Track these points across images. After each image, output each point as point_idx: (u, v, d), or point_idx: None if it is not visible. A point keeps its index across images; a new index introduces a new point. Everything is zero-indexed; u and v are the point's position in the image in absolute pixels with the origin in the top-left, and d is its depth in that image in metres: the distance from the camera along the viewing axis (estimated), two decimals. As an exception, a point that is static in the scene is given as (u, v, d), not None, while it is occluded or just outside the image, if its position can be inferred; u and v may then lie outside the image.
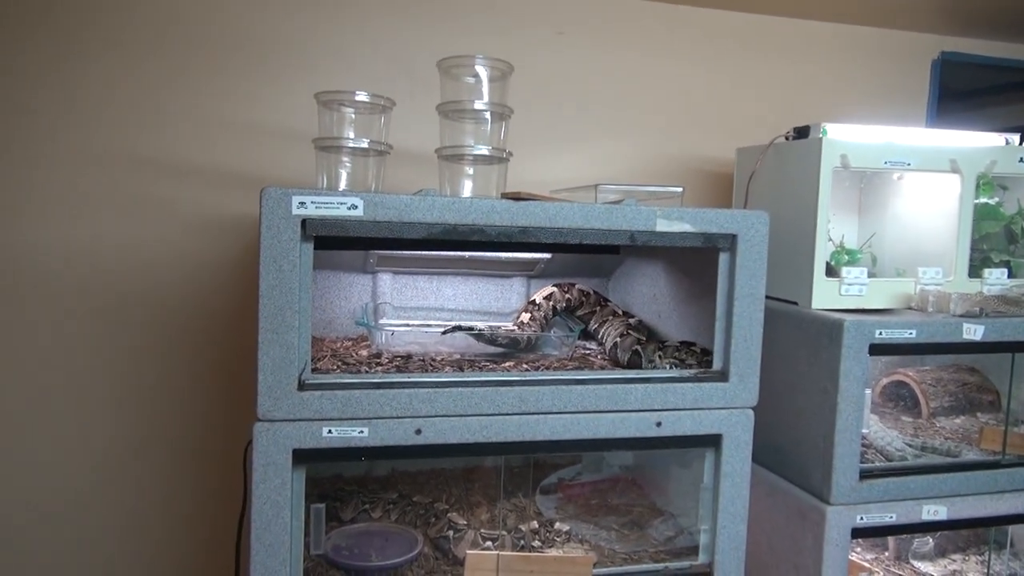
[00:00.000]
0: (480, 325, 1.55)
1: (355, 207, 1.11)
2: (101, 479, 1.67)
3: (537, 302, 1.61)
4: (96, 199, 1.61)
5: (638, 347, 1.41)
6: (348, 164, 1.42)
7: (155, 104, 1.63)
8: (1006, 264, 1.63)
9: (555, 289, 1.63)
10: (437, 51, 1.47)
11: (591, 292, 1.64)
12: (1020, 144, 1.57)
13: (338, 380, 1.16)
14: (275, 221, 1.08)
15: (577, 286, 1.64)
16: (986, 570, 1.61)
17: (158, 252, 1.65)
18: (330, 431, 1.13)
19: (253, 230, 1.65)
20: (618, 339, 1.47)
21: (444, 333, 1.41)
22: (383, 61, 1.73)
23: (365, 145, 1.39)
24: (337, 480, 1.54)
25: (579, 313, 1.63)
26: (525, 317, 1.57)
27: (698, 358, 1.36)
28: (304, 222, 1.10)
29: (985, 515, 1.45)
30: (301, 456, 1.13)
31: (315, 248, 1.13)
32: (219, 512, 1.71)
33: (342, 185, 1.42)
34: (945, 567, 1.62)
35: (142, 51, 1.61)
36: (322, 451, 1.13)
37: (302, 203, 1.09)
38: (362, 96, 1.39)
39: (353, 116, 1.42)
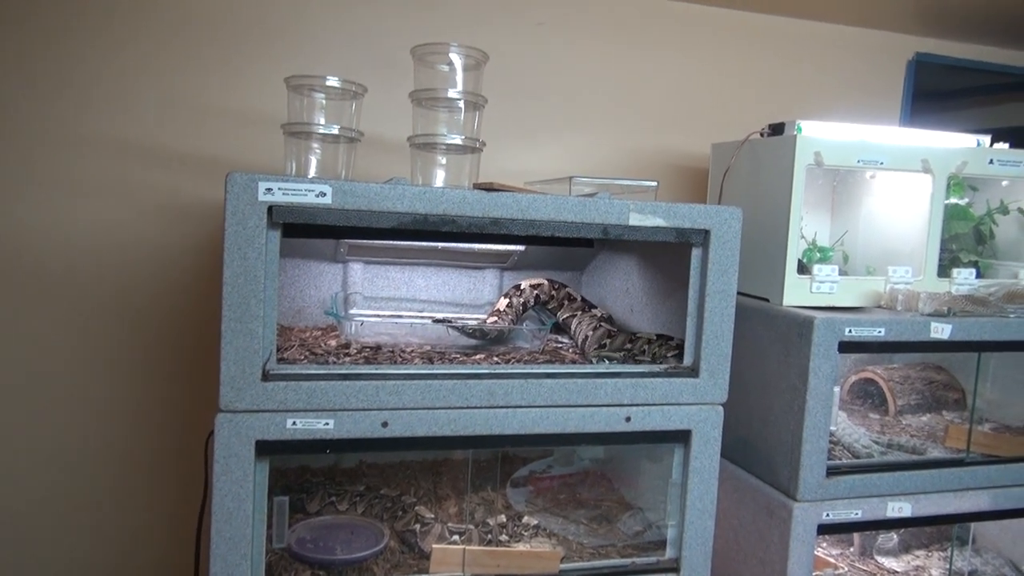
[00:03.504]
0: (453, 316, 1.54)
1: (324, 195, 1.09)
2: (57, 469, 1.63)
3: (522, 287, 1.59)
4: (58, 181, 1.57)
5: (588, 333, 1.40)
6: (318, 150, 1.39)
7: (122, 86, 1.58)
8: (974, 264, 1.65)
9: (546, 282, 1.62)
10: (411, 38, 1.45)
11: (579, 298, 1.60)
12: (991, 146, 1.58)
13: (303, 371, 1.14)
14: (240, 207, 1.06)
15: (567, 288, 1.62)
16: (948, 566, 1.63)
17: (120, 236, 1.61)
18: (294, 423, 1.11)
19: (219, 216, 1.62)
20: (589, 333, 1.46)
21: (435, 323, 1.39)
22: (356, 47, 1.70)
23: (335, 131, 1.37)
24: (304, 472, 1.52)
25: (562, 316, 1.60)
26: (503, 303, 1.55)
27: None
28: (271, 209, 1.07)
29: (949, 512, 1.47)
30: (264, 448, 1.11)
31: (283, 236, 1.11)
32: (179, 504, 1.68)
33: (311, 172, 1.39)
34: (908, 563, 1.64)
35: (111, 33, 1.57)
36: (286, 443, 1.11)
37: (269, 189, 1.07)
38: (333, 81, 1.37)
39: (324, 102, 1.39)
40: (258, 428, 1.09)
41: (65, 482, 1.64)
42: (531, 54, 1.82)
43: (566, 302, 1.60)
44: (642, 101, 1.91)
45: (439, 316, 1.55)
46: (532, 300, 1.59)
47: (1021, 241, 1.70)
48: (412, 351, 1.33)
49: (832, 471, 1.38)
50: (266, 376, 1.10)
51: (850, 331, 1.35)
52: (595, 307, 1.60)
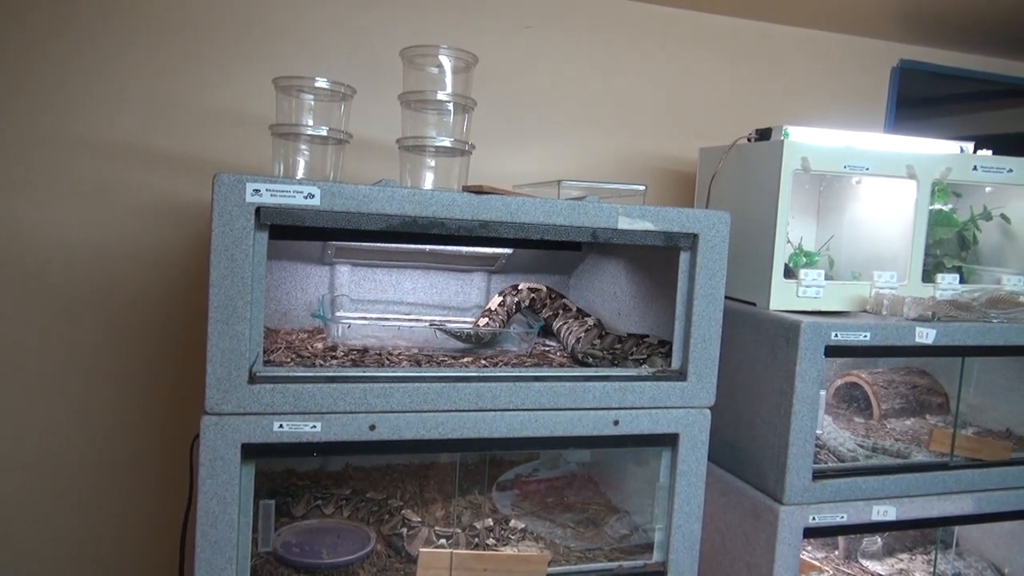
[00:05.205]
0: (441, 319, 1.53)
1: (312, 196, 1.09)
2: (39, 470, 1.61)
3: (519, 287, 1.58)
4: (44, 182, 1.55)
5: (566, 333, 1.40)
6: (306, 152, 1.39)
7: (108, 86, 1.57)
8: (958, 269, 1.67)
9: (544, 287, 1.61)
10: (401, 40, 1.44)
11: (574, 308, 1.59)
12: (974, 152, 1.60)
13: (290, 373, 1.13)
14: (228, 208, 1.05)
15: (564, 299, 1.61)
16: (932, 569, 1.64)
17: (106, 237, 1.60)
18: (281, 426, 1.10)
19: (207, 217, 1.61)
20: (596, 341, 1.46)
21: (429, 326, 1.39)
22: (346, 48, 1.70)
23: (324, 133, 1.36)
24: (289, 475, 1.51)
25: (555, 325, 1.58)
26: (496, 301, 1.54)
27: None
28: (258, 210, 1.07)
29: (933, 516, 1.48)
30: (250, 451, 1.10)
31: (270, 237, 1.10)
32: (164, 508, 1.67)
33: (299, 173, 1.39)
34: (892, 566, 1.65)
35: (95, 32, 1.55)
36: (272, 446, 1.11)
37: (256, 190, 1.06)
38: (322, 82, 1.36)
39: (312, 103, 1.39)
40: (244, 431, 1.09)
41: (48, 484, 1.62)
42: (520, 58, 1.82)
43: (561, 311, 1.59)
44: (630, 105, 1.92)
45: (428, 319, 1.54)
46: (527, 302, 1.59)
47: (1004, 247, 1.72)
48: (399, 354, 1.32)
49: (818, 475, 1.39)
50: (252, 378, 1.09)
51: (836, 335, 1.36)
52: (589, 316, 1.60)
